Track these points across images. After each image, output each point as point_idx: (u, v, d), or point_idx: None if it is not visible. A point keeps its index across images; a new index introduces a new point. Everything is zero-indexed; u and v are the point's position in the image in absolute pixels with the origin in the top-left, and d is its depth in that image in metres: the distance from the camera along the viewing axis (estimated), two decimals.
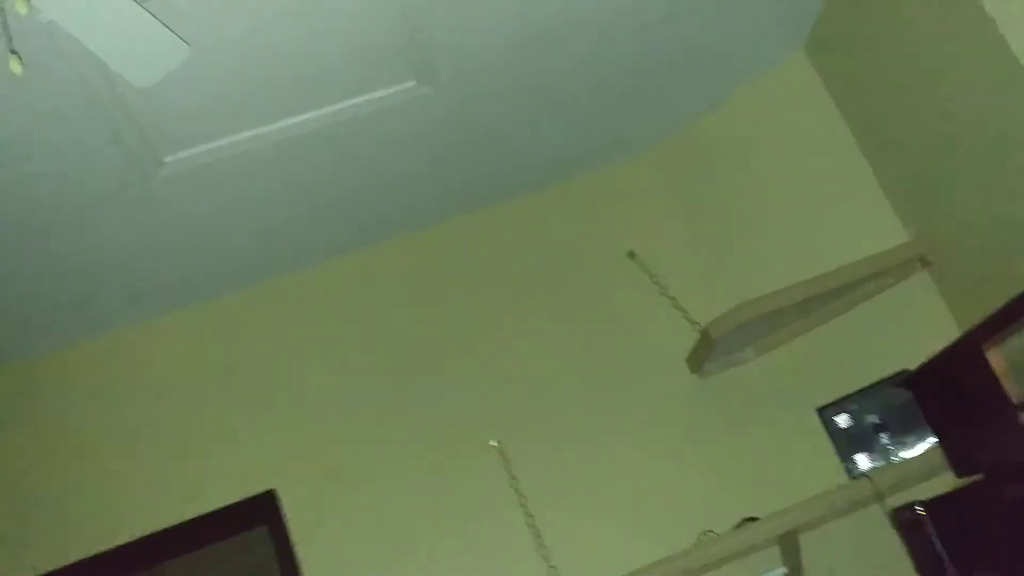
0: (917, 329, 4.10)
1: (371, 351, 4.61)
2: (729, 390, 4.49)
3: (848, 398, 4.23)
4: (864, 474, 3.89)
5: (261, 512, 4.31)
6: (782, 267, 4.36)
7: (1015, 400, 3.23)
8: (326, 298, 4.71)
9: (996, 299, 3.22)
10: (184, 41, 2.64)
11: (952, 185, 3.80)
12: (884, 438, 4.16)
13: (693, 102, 4.65)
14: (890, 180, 4.27)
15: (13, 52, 2.43)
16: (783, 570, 3.88)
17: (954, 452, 3.73)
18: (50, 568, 4.16)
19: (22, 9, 2.24)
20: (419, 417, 4.48)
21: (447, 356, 4.60)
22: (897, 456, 4.12)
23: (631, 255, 4.71)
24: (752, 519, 3.94)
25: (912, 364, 3.89)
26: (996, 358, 3.35)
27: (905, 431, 4.12)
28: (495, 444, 4.38)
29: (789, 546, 3.94)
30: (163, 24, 2.58)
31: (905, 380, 3.93)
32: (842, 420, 4.22)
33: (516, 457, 4.36)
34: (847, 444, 4.21)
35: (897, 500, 3.72)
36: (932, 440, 3.94)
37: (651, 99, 4.49)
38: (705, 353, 4.24)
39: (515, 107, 4.16)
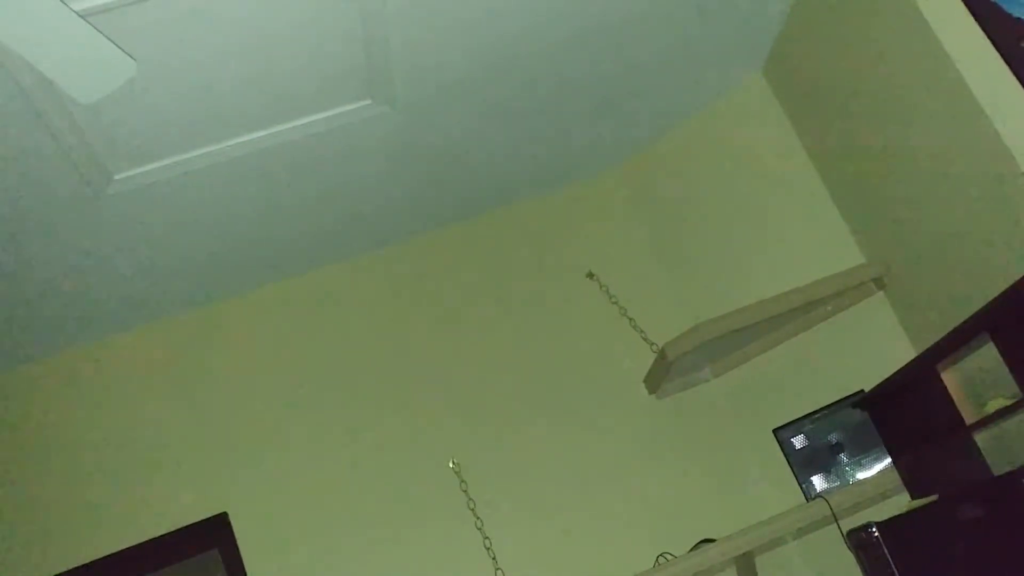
0: (873, 350, 4.12)
1: (328, 371, 4.56)
2: (686, 411, 4.49)
3: (804, 419, 4.24)
4: (820, 495, 3.90)
5: (213, 535, 4.24)
6: (739, 288, 4.38)
7: (969, 421, 3.25)
8: (282, 317, 4.66)
9: (951, 320, 3.24)
10: (131, 57, 2.60)
11: (908, 208, 3.82)
12: (840, 458, 4.16)
13: (652, 122, 4.66)
14: (846, 202, 4.29)
15: None
16: None
17: (909, 473, 3.75)
18: None
19: None
20: (377, 437, 4.43)
21: (405, 375, 4.56)
22: (853, 477, 4.13)
23: (590, 275, 4.71)
24: (708, 540, 3.93)
25: (868, 385, 3.91)
26: (951, 379, 3.37)
27: (861, 451, 4.13)
28: (453, 464, 4.34)
29: (745, 568, 3.93)
30: (109, 40, 2.53)
31: (861, 401, 3.95)
32: (798, 441, 4.22)
33: (473, 477, 4.33)
34: (803, 465, 4.21)
35: (853, 521, 3.72)
36: (888, 460, 3.95)
37: (610, 120, 4.49)
38: (662, 373, 4.23)
39: (475, 127, 4.14)
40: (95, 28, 2.51)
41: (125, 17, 2.83)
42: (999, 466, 3.26)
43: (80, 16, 2.46)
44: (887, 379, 3.67)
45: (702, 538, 4.03)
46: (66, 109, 3.12)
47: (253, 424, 4.44)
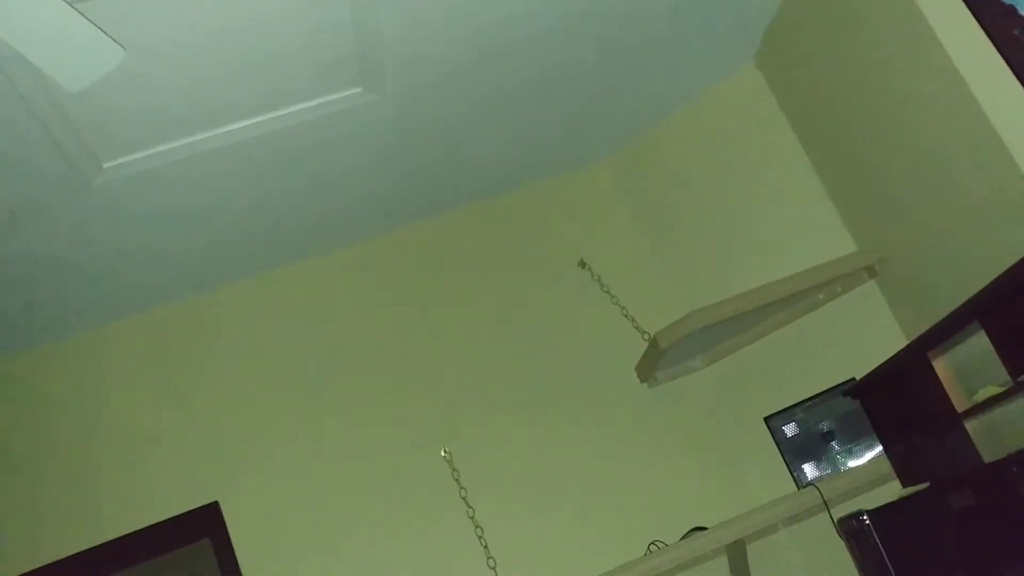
0: (864, 338, 4.12)
1: (320, 360, 4.54)
2: (678, 399, 4.49)
3: (796, 407, 4.24)
4: (811, 483, 3.90)
5: (204, 524, 4.23)
6: (732, 276, 4.38)
7: (960, 409, 3.25)
8: (273, 306, 4.64)
9: (942, 309, 3.23)
10: (119, 44, 2.57)
11: (899, 196, 3.82)
12: (832, 446, 4.17)
13: (645, 112, 4.64)
14: (839, 190, 4.29)
15: None
16: None
17: (900, 461, 3.75)
18: None
19: None
20: (368, 426, 4.42)
21: (396, 365, 4.55)
22: (845, 465, 4.13)
23: (582, 264, 4.70)
24: (700, 528, 3.94)
25: (859, 373, 3.91)
26: (942, 367, 3.37)
27: (852, 440, 4.13)
28: (445, 453, 4.34)
29: (737, 555, 3.93)
30: (96, 26, 2.51)
31: (852, 389, 3.95)
32: (790, 429, 4.23)
33: (465, 466, 4.32)
34: (795, 453, 4.22)
35: (844, 509, 3.72)
36: (879, 448, 3.96)
37: (603, 110, 4.48)
38: (654, 362, 4.23)
39: (466, 116, 4.12)
40: (82, 15, 2.48)
41: (113, 4, 2.80)
42: (990, 454, 3.26)
43: (67, 2, 2.44)
44: (878, 367, 3.67)
45: (693, 526, 4.03)
46: (53, 97, 3.10)
47: (244, 413, 4.42)
